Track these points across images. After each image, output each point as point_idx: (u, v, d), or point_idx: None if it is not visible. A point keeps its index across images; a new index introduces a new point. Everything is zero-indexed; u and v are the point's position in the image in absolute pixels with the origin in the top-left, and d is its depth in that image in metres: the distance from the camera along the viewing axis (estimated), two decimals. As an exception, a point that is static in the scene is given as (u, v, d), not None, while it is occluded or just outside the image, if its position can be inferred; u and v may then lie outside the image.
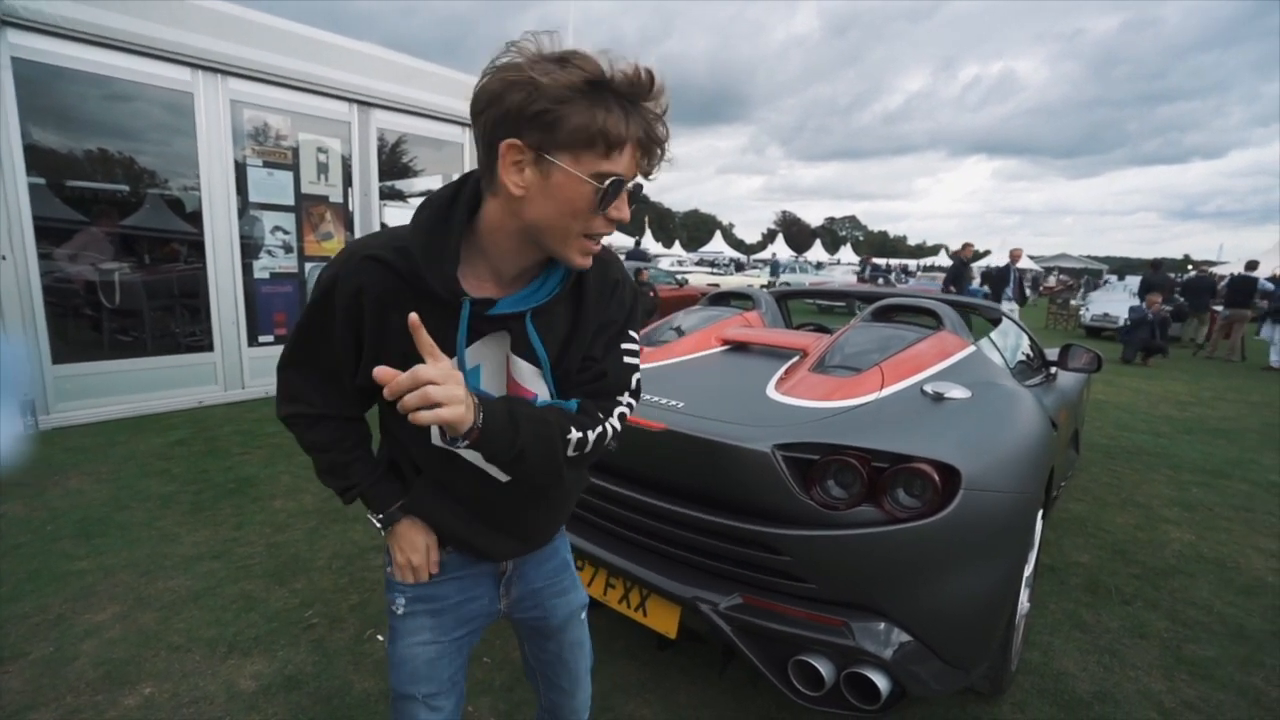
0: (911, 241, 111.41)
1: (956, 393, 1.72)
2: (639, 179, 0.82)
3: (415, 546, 0.99)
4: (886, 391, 1.76)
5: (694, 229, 76.73)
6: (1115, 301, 12.75)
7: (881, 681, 1.42)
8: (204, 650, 2.04)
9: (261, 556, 2.64)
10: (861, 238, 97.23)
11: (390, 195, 8.29)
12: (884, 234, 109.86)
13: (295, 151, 5.25)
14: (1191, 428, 5.51)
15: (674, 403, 1.77)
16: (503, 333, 0.88)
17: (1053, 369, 3.04)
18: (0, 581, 2.35)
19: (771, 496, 1.52)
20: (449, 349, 0.83)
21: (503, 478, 0.96)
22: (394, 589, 1.02)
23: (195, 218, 4.81)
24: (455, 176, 0.89)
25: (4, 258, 3.94)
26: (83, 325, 4.55)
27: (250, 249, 5.11)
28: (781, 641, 1.51)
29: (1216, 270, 18.34)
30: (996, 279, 9.26)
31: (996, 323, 3.02)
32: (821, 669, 1.45)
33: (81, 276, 4.49)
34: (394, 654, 1.02)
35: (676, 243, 44.79)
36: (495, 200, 0.82)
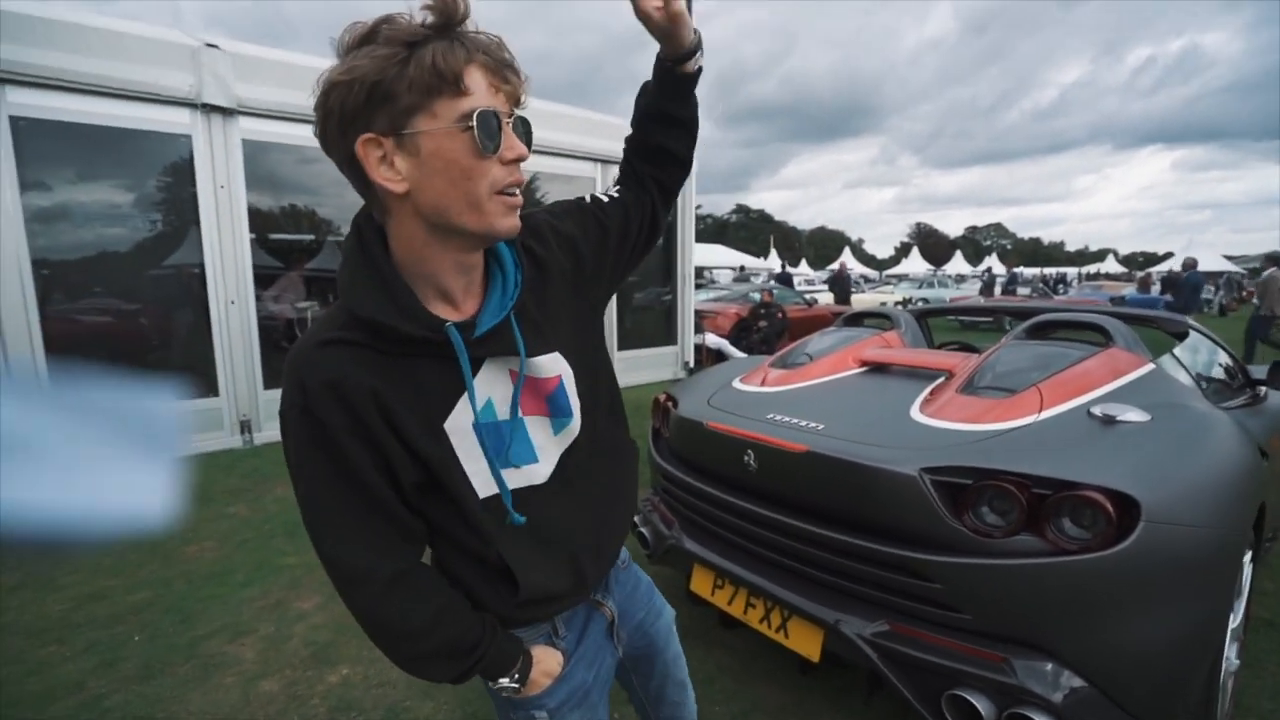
0: (1070, 247, 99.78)
1: (1132, 415, 1.57)
2: (514, 111, 0.72)
3: (550, 660, 0.89)
4: (1046, 414, 1.65)
5: (821, 246, 74.52)
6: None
7: (1052, 727, 1.32)
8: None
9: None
10: (1009, 246, 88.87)
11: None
12: (1036, 241, 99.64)
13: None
14: None
15: (814, 425, 1.78)
16: (510, 357, 0.79)
17: (1261, 389, 2.63)
18: (235, 570, 2.84)
19: (919, 521, 1.48)
20: (454, 396, 0.76)
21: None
22: (528, 706, 0.88)
23: (368, 261, 5.55)
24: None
25: (233, 303, 4.79)
26: (283, 356, 5.38)
27: (412, 286, 5.78)
28: (933, 673, 1.45)
29: None
30: None
31: (1182, 337, 2.68)
32: (980, 706, 1.37)
33: (282, 314, 5.33)
34: None
35: (803, 261, 43.71)
36: (393, 220, 0.72)
